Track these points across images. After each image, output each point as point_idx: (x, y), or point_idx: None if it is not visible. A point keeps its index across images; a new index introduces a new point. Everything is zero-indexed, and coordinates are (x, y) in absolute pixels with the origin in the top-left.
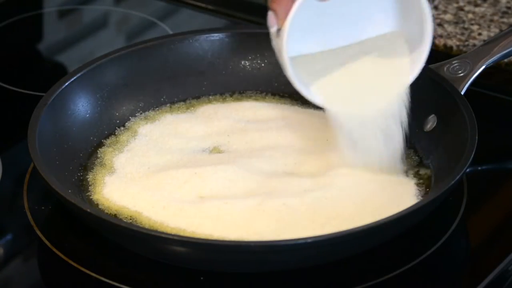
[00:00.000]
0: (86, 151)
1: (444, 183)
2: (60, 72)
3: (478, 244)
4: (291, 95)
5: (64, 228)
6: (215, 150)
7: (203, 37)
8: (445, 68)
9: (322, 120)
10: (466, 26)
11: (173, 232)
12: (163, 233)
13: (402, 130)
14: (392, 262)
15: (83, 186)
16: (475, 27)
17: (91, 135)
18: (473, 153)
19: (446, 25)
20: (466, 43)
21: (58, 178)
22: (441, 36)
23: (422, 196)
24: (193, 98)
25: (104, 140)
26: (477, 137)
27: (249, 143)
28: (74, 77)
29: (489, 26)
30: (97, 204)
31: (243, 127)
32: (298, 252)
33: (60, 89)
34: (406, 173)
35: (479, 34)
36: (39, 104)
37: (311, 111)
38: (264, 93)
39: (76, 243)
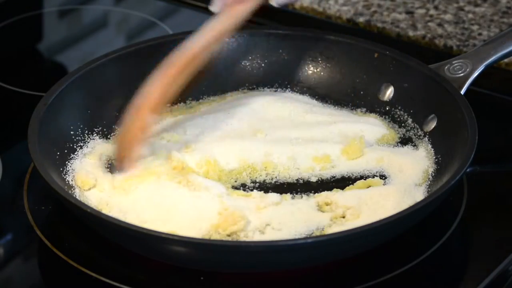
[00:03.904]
0: (87, 152)
1: (444, 183)
2: (60, 72)
3: (478, 244)
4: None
5: (64, 228)
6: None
7: None
8: (445, 68)
9: (324, 118)
10: (466, 26)
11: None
12: (163, 233)
13: None
14: (392, 262)
15: None
16: (475, 27)
17: (91, 135)
18: (473, 153)
19: (446, 25)
20: (466, 43)
21: (58, 178)
22: (441, 36)
23: (422, 196)
24: (193, 98)
25: (105, 140)
26: (477, 137)
27: None
28: (74, 77)
29: (489, 26)
30: None
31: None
32: (298, 252)
33: (60, 89)
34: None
35: (479, 34)
36: (39, 104)
37: (313, 110)
38: (264, 93)
39: (76, 243)
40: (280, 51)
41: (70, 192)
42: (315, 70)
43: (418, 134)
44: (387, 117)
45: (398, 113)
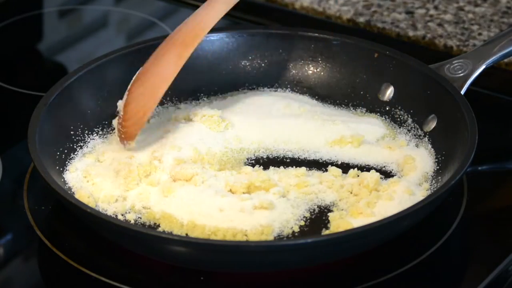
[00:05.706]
0: (86, 151)
1: (444, 183)
2: (60, 72)
3: (478, 244)
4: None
5: (64, 228)
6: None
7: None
8: (445, 68)
9: (324, 118)
10: (466, 26)
11: (177, 222)
12: (163, 233)
13: None
14: (392, 262)
15: None
16: (475, 27)
17: (91, 135)
18: (473, 153)
19: (446, 25)
20: (466, 43)
21: (58, 178)
22: (441, 36)
23: (422, 196)
24: (193, 98)
25: (105, 140)
26: (477, 137)
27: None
28: (74, 77)
29: (489, 26)
30: None
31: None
32: (298, 252)
33: (60, 89)
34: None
35: (479, 34)
36: (39, 104)
37: (313, 110)
38: (265, 93)
39: (76, 243)
40: (280, 51)
41: (70, 192)
42: (315, 70)
43: (418, 134)
44: (387, 117)
45: (398, 113)
